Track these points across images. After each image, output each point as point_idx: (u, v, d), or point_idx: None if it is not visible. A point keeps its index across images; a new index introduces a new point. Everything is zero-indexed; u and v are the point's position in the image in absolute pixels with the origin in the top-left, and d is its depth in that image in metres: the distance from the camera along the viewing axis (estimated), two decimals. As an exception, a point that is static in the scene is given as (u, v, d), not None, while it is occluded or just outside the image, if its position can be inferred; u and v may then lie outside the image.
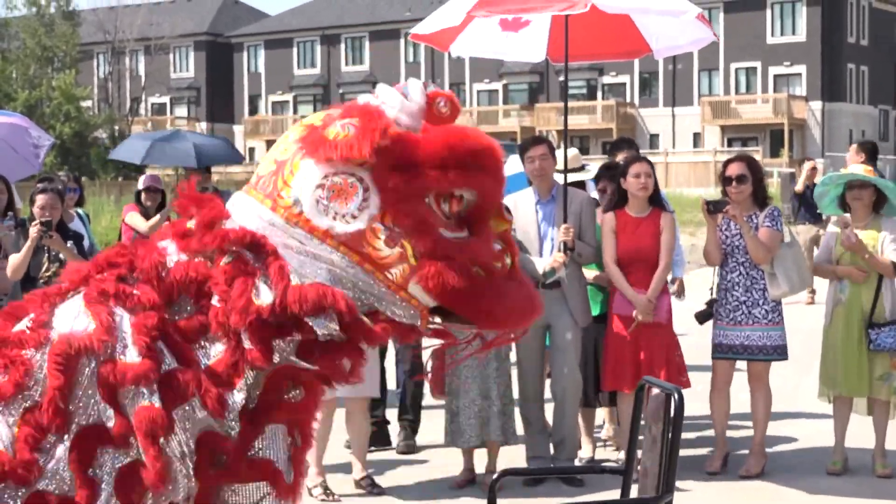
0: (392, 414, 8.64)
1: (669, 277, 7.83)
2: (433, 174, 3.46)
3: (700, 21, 7.78)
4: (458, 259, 3.50)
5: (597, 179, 8.45)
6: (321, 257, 3.50)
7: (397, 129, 3.54)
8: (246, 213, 3.60)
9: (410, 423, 8.08)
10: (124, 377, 3.32)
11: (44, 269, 7.98)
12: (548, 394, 7.56)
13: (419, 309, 3.51)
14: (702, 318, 8.15)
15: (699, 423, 8.49)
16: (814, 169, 16.75)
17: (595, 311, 7.54)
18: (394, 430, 8.38)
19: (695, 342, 8.01)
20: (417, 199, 3.47)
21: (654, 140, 51.09)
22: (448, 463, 7.70)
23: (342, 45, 67.13)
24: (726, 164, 7.61)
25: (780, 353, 7.49)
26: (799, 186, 16.22)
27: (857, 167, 8.08)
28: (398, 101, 3.54)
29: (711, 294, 8.11)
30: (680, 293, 8.35)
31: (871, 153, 11.60)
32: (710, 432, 8.27)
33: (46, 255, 7.82)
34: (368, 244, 3.49)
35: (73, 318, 3.40)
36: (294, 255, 3.52)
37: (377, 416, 8.23)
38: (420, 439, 8.32)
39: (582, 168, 8.94)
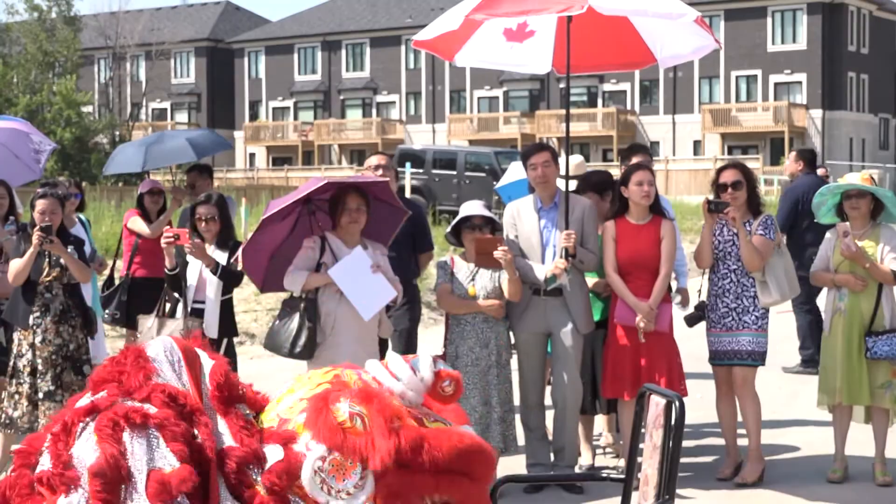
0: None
1: (674, 287, 7.81)
2: (430, 480, 3.45)
3: (699, 25, 7.75)
4: None
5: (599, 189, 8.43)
6: None
7: (406, 430, 3.51)
8: None
9: None
10: (170, 486, 3.42)
11: (44, 274, 7.96)
12: (547, 400, 7.58)
13: None
14: (691, 321, 8.11)
15: (697, 431, 8.50)
16: (826, 176, 16.68)
17: (595, 318, 7.58)
18: None
19: (685, 351, 7.95)
20: (414, 496, 3.46)
21: (654, 147, 51.29)
22: None
23: (343, 52, 67.10)
24: (720, 171, 7.65)
25: (763, 359, 7.55)
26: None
27: (854, 176, 8.13)
28: (407, 377, 3.61)
29: (699, 297, 8.15)
30: (684, 304, 8.39)
31: (809, 161, 11.77)
32: (708, 440, 8.38)
33: (47, 259, 7.80)
34: None
35: (93, 453, 3.48)
36: None
37: None
38: None
39: (586, 175, 9.17)
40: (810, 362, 10.28)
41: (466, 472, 3.59)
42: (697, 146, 50.65)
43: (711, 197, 7.65)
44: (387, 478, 3.45)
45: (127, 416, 3.58)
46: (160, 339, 3.92)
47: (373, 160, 8.72)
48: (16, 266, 7.93)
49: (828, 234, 7.58)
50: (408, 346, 8.14)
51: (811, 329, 10.34)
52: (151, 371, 3.76)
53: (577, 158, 9.04)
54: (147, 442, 3.62)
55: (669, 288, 7.78)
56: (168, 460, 3.58)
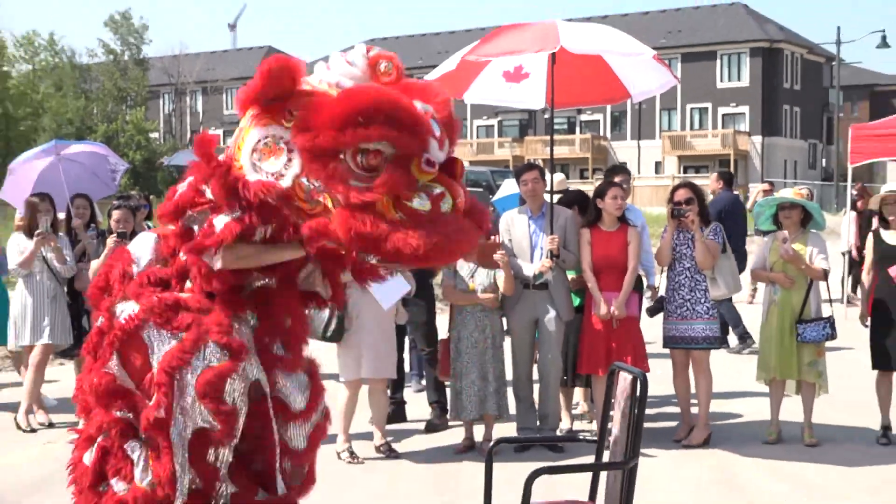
0: (408, 394, 8.74)
1: (645, 284, 7.97)
2: (333, 133, 3.29)
3: (658, 62, 7.85)
4: (362, 209, 3.31)
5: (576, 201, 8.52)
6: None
7: (314, 93, 3.42)
8: None
9: (439, 404, 8.14)
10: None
11: None
12: (535, 376, 7.66)
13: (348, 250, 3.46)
14: (652, 312, 8.19)
15: (657, 401, 8.64)
16: (767, 190, 16.82)
17: (576, 304, 7.68)
18: (410, 409, 8.54)
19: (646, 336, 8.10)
20: (328, 156, 3.31)
21: (624, 168, 52.22)
22: (452, 433, 7.80)
23: None
24: (674, 190, 7.72)
25: (716, 342, 7.57)
26: (749, 205, 16.29)
27: (787, 191, 8.18)
28: (342, 65, 3.45)
29: (657, 292, 8.26)
30: (654, 298, 8.48)
31: (727, 181, 11.79)
32: (666, 409, 8.48)
33: None
34: (297, 198, 3.42)
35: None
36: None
37: (397, 398, 8.27)
38: (423, 413, 8.39)
39: (566, 190, 9.07)
40: (744, 336, 10.72)
41: (387, 121, 3.42)
42: (658, 166, 51.89)
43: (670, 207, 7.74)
44: (298, 143, 3.44)
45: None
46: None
47: None
48: (96, 264, 8.02)
49: (765, 239, 7.57)
50: (428, 335, 8.21)
51: (732, 312, 10.85)
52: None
53: (559, 176, 9.15)
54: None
55: (641, 284, 7.86)
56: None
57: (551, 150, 8.56)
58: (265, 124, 3.47)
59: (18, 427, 8.23)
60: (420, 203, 3.35)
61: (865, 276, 7.90)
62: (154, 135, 49.74)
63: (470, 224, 3.50)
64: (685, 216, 7.37)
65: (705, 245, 7.27)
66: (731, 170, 49.97)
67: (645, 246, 7.75)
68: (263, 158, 3.43)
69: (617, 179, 7.84)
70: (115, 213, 8.06)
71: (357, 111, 3.26)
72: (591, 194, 8.21)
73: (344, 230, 3.30)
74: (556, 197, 8.08)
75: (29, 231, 8.16)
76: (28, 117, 38.10)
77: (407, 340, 8.63)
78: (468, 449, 7.25)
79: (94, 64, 47.03)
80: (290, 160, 3.40)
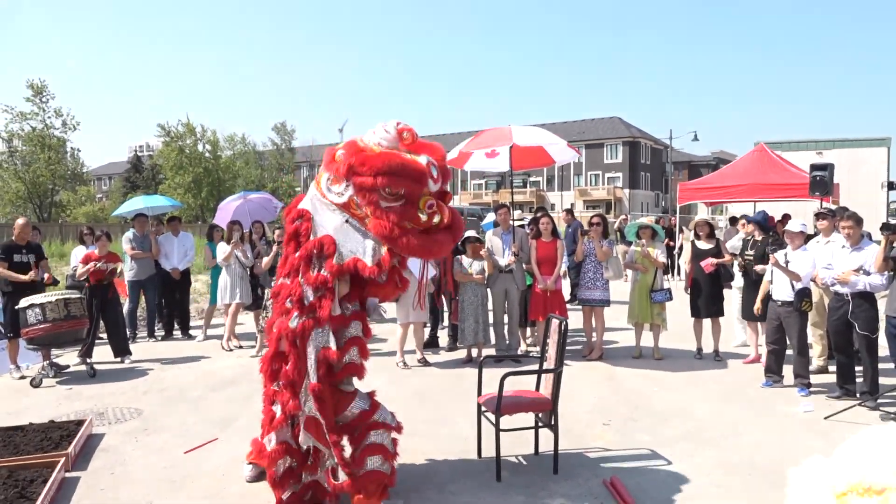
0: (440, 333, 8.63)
1: (564, 269, 7.97)
2: (370, 179, 3.18)
3: (569, 147, 7.96)
4: (384, 220, 3.19)
5: (528, 225, 8.40)
6: (335, 212, 3.28)
7: (363, 152, 3.27)
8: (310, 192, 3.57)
9: (453, 337, 7.91)
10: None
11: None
12: (505, 320, 7.54)
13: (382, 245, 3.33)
14: (572, 288, 8.47)
15: (572, 334, 8.37)
16: (625, 219, 17.87)
17: (528, 283, 7.63)
18: (438, 339, 8.36)
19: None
20: (369, 190, 3.21)
21: (553, 207, 53.02)
22: (459, 353, 7.83)
23: None
24: (590, 219, 7.86)
25: (607, 303, 7.65)
26: (617, 225, 16.39)
27: (643, 219, 9.00)
28: (381, 132, 3.33)
29: (566, 274, 8.18)
30: (565, 276, 8.56)
31: (571, 214, 11.60)
32: (578, 338, 8.19)
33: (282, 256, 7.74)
34: (351, 208, 3.29)
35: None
36: (323, 211, 3.34)
37: (432, 334, 8.07)
38: (444, 342, 8.21)
39: (522, 220, 9.01)
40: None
41: (401, 174, 3.19)
42: (572, 206, 53.30)
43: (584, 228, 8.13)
44: (355, 181, 3.21)
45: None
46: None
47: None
48: (266, 260, 8.01)
49: (632, 248, 7.83)
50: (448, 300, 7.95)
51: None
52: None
53: (518, 213, 9.31)
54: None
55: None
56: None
57: (512, 196, 8.95)
58: (329, 169, 3.43)
59: (222, 347, 8.34)
60: (421, 217, 3.29)
61: (686, 265, 7.98)
62: (297, 189, 51.73)
63: (449, 235, 3.39)
64: (587, 233, 7.64)
65: (603, 249, 7.52)
66: (613, 207, 50.50)
67: (565, 249, 7.87)
68: (332, 184, 3.30)
69: (540, 215, 7.92)
70: (277, 231, 8.27)
71: (386, 167, 3.20)
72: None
73: (376, 231, 3.23)
74: (520, 222, 8.17)
75: (228, 241, 8.28)
76: (229, 180, 43.04)
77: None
78: (468, 361, 7.35)
79: (266, 150, 48.54)
80: (347, 187, 3.27)
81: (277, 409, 3.40)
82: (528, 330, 8.14)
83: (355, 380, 3.61)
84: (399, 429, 3.63)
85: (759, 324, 7.09)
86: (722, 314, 7.41)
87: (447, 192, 3.50)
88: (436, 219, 3.21)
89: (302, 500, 3.50)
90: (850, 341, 5.71)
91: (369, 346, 3.65)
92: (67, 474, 4.22)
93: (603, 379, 6.55)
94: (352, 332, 3.40)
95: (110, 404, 5.87)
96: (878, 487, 1.83)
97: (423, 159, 3.25)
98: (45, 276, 6.99)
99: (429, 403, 5.71)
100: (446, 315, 8.36)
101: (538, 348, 7.56)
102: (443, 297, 8.11)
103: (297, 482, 3.50)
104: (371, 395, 3.68)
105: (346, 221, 3.21)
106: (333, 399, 3.40)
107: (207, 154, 42.22)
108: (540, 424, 4.34)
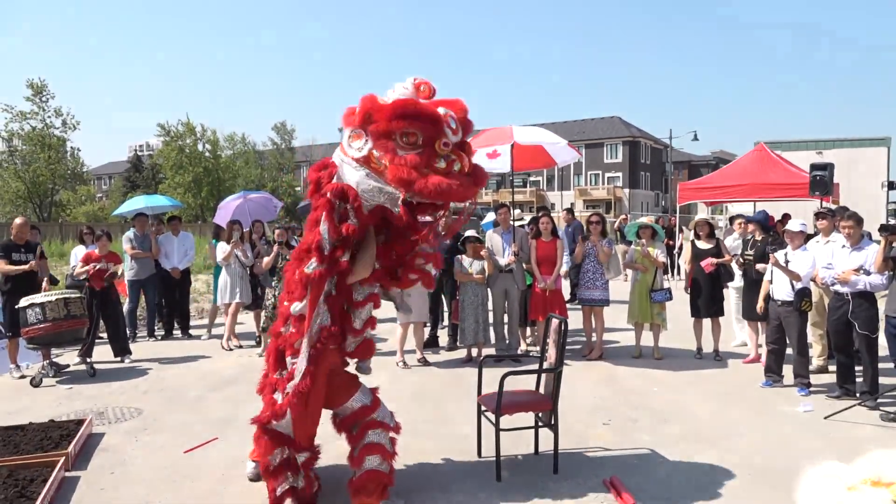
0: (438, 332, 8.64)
1: (564, 269, 7.90)
2: (386, 123, 3.22)
3: (570, 147, 8.02)
4: (402, 164, 3.21)
5: (528, 224, 8.45)
6: (356, 168, 3.34)
7: (378, 104, 3.30)
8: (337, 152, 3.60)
9: (453, 336, 8.00)
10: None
11: (281, 263, 7.97)
12: (505, 320, 7.55)
13: (400, 192, 3.34)
14: (572, 288, 8.46)
15: (572, 334, 8.38)
16: (625, 219, 17.77)
17: (528, 282, 7.67)
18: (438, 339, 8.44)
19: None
20: (385, 137, 3.25)
21: (553, 206, 52.84)
22: (459, 352, 7.86)
23: None
24: (589, 217, 7.99)
25: (606, 303, 7.67)
26: (617, 224, 16.92)
27: (643, 219, 8.73)
28: (399, 88, 3.42)
29: (566, 274, 7.87)
30: (566, 276, 8.33)
31: (571, 213, 11.66)
32: (578, 338, 8.24)
33: (282, 256, 7.82)
34: (371, 161, 3.31)
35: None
36: (346, 169, 3.39)
37: (432, 333, 8.13)
38: (444, 341, 8.28)
39: (521, 219, 9.04)
40: None
41: (416, 117, 3.21)
42: (572, 205, 53.89)
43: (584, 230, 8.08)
44: (369, 130, 3.24)
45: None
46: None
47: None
48: (266, 260, 8.04)
49: (632, 247, 7.82)
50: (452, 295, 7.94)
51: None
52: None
53: (518, 212, 9.15)
54: None
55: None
56: None
57: (513, 196, 8.99)
58: (348, 124, 3.50)
59: (222, 347, 8.39)
60: (440, 164, 3.29)
61: (686, 266, 7.95)
62: (298, 188, 56.04)
63: (470, 180, 3.36)
64: (591, 237, 7.55)
65: (604, 249, 7.56)
66: (613, 207, 50.71)
67: (565, 249, 7.90)
68: (352, 140, 3.36)
69: (542, 213, 8.01)
70: (277, 231, 8.10)
71: (400, 110, 3.25)
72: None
73: (392, 177, 3.22)
74: (519, 222, 8.18)
75: (228, 240, 8.37)
76: (229, 180, 43.59)
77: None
78: (468, 361, 7.39)
79: (266, 150, 48.68)
80: (366, 141, 3.32)
81: (279, 396, 3.38)
82: (528, 330, 8.17)
83: (361, 376, 3.66)
84: (397, 429, 3.65)
85: (758, 324, 7.11)
86: (722, 314, 7.43)
87: (468, 142, 3.49)
88: (455, 166, 3.21)
89: (296, 493, 3.47)
90: (850, 341, 5.73)
91: None
92: (67, 474, 4.23)
93: (603, 379, 6.56)
94: (366, 313, 3.48)
95: (110, 404, 5.90)
96: (888, 480, 1.89)
97: (440, 110, 3.28)
98: (44, 279, 6.88)
99: (429, 403, 5.73)
100: (446, 315, 8.40)
101: (538, 348, 7.58)
102: (443, 296, 8.12)
103: (295, 474, 3.48)
104: (374, 391, 3.69)
105: (367, 175, 3.23)
106: (340, 383, 3.42)
107: (207, 154, 42.18)
108: (540, 424, 4.34)
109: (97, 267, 6.96)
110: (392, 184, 3.17)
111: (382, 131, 3.17)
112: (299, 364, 3.27)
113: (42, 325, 6.36)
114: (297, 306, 3.31)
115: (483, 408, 4.29)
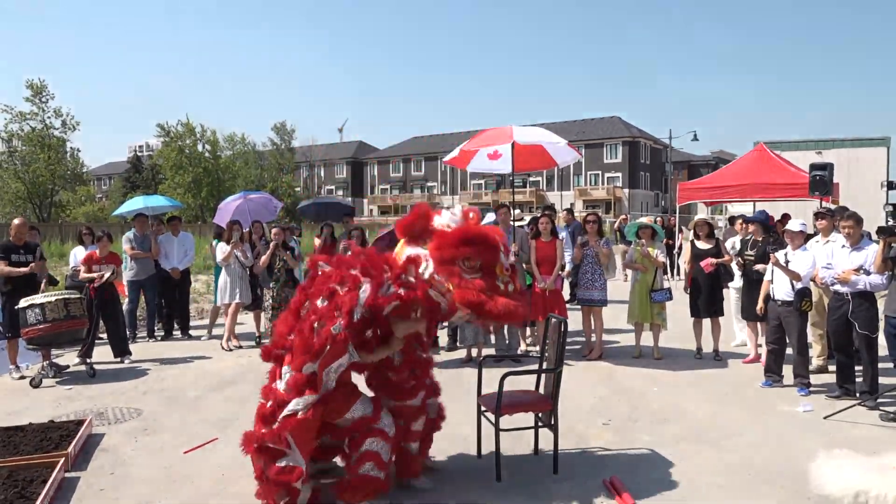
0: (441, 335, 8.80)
1: (566, 270, 7.89)
2: (451, 250, 3.42)
3: (570, 147, 8.03)
4: (470, 288, 3.40)
5: (528, 225, 8.50)
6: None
7: (440, 230, 3.52)
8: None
9: (452, 337, 8.01)
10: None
11: (278, 264, 8.01)
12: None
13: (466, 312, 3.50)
14: (571, 287, 8.33)
15: (572, 334, 8.36)
16: (625, 219, 16.90)
17: (528, 282, 7.64)
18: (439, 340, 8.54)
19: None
20: (448, 262, 3.44)
21: (553, 206, 52.00)
22: (459, 352, 7.86)
23: (412, 163, 74.24)
24: (586, 216, 8.07)
25: (605, 303, 7.70)
26: (617, 224, 16.59)
27: (643, 219, 8.50)
28: (448, 215, 3.67)
29: (569, 274, 7.90)
30: (567, 276, 8.35)
31: (571, 214, 11.64)
32: (577, 338, 8.23)
33: (278, 257, 7.86)
34: (433, 283, 3.48)
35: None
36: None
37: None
38: (444, 342, 8.36)
39: (521, 219, 9.18)
40: None
41: (476, 243, 3.40)
42: (572, 205, 54.56)
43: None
44: (433, 256, 3.42)
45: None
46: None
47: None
48: (263, 258, 8.06)
49: (632, 247, 7.79)
50: None
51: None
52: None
53: (518, 212, 9.15)
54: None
55: (563, 269, 7.71)
56: None
57: (513, 197, 9.12)
58: (413, 246, 3.60)
59: (222, 347, 8.43)
60: (500, 285, 3.50)
61: (685, 266, 7.95)
62: (297, 189, 57.40)
63: (521, 304, 3.63)
64: (586, 241, 7.54)
65: (602, 249, 7.61)
66: (613, 207, 51.33)
67: (564, 248, 7.87)
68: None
69: (542, 213, 8.06)
70: (275, 231, 8.20)
71: (463, 237, 3.43)
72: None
73: (460, 300, 3.39)
74: (519, 223, 8.23)
75: (227, 241, 8.37)
76: (229, 180, 43.96)
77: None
78: (468, 361, 7.42)
79: (266, 150, 49.14)
80: (427, 265, 3.45)
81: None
82: (528, 330, 8.18)
83: (362, 386, 3.72)
84: (396, 442, 3.68)
85: (758, 324, 7.14)
86: (721, 314, 7.45)
87: (515, 267, 3.67)
88: (510, 287, 3.42)
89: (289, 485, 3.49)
90: (850, 341, 5.74)
91: None
92: (67, 474, 4.24)
93: (603, 379, 6.57)
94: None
95: (110, 404, 5.91)
96: None
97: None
98: (43, 280, 6.90)
99: (429, 403, 6.08)
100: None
101: (538, 348, 7.55)
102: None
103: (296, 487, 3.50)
104: (375, 401, 3.74)
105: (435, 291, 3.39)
106: (337, 396, 3.46)
107: (207, 154, 42.38)
108: (540, 424, 4.35)
109: (105, 277, 6.96)
110: (460, 305, 3.30)
111: (446, 258, 3.31)
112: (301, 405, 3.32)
113: (42, 326, 6.36)
114: (309, 368, 3.26)
115: (483, 408, 4.30)
